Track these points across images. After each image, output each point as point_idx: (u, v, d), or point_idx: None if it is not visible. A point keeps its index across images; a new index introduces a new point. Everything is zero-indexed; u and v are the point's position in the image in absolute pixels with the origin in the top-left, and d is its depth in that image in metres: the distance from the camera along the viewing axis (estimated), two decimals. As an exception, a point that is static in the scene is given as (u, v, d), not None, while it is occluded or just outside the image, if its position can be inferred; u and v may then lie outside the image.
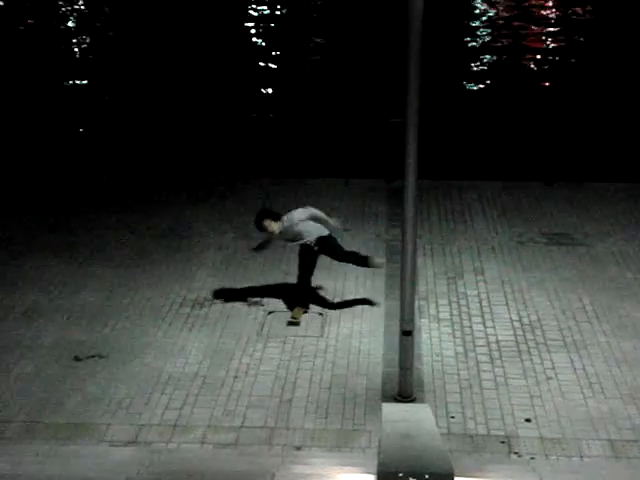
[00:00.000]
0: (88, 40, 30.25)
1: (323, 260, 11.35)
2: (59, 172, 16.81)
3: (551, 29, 31.49)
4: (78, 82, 25.21)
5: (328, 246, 11.06)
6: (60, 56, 27.94)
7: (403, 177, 8.57)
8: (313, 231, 10.97)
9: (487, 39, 29.96)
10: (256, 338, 10.71)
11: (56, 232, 13.81)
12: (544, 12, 34.03)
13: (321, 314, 11.25)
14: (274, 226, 10.88)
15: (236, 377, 9.88)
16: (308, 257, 11.03)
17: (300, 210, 10.98)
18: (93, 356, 10.30)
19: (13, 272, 12.47)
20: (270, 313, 11.29)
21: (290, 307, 11.27)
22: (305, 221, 10.90)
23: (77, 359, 10.24)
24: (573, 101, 22.49)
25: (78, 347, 10.49)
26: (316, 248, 10.98)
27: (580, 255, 12.95)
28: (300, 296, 11.27)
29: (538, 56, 27.80)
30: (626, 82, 23.93)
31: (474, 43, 29.33)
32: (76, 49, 29.30)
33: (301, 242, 10.98)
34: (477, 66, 26.56)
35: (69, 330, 10.88)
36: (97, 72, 26.04)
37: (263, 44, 29.48)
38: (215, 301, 11.52)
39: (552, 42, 29.63)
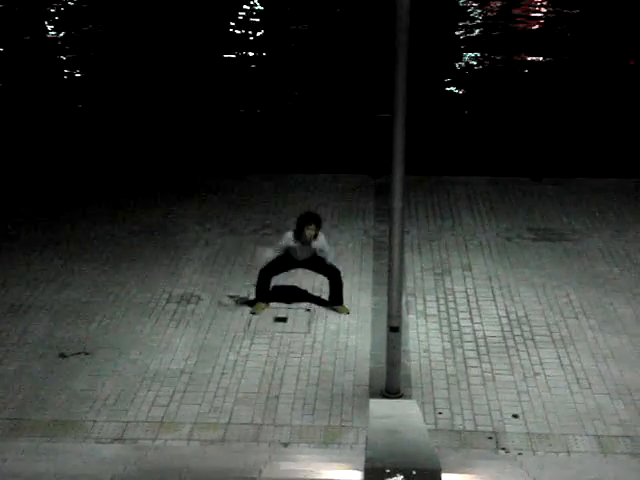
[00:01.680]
0: (80, 35, 30.08)
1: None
2: (44, 169, 16.71)
3: (540, 25, 31.53)
4: (66, 79, 25.09)
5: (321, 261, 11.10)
6: (50, 51, 27.80)
7: (390, 173, 8.55)
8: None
9: (475, 34, 29.96)
10: (243, 334, 10.67)
11: (41, 229, 13.73)
12: (533, 8, 34.04)
13: (308, 310, 11.23)
14: (311, 235, 10.76)
15: (223, 374, 9.84)
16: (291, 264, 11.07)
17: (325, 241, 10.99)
18: (79, 353, 10.24)
19: (-2, 268, 12.41)
20: (253, 304, 11.24)
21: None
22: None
23: (62, 356, 10.18)
24: (561, 96, 22.52)
25: (64, 344, 10.43)
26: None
27: (567, 251, 12.96)
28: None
29: (526, 52, 27.82)
30: (614, 78, 23.97)
31: (462, 37, 29.32)
32: (67, 43, 29.14)
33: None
34: (465, 61, 26.55)
35: (54, 327, 10.82)
36: (86, 70, 25.91)
37: (250, 40, 29.40)
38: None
39: (540, 37, 29.65)
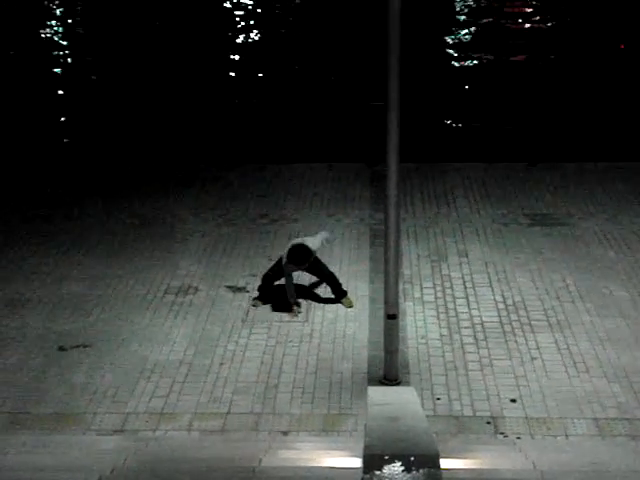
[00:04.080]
0: (72, 25, 30.02)
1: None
2: (39, 162, 16.70)
3: (532, 9, 31.49)
4: (59, 72, 25.05)
5: (315, 265, 11.04)
6: (41, 44, 27.73)
7: (385, 161, 8.57)
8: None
9: (468, 19, 29.92)
10: (241, 324, 10.70)
11: (37, 221, 13.74)
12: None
13: (306, 300, 11.23)
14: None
15: (222, 364, 9.88)
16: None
17: (310, 240, 10.99)
18: (78, 346, 10.27)
19: (-4, 263, 12.41)
20: (255, 299, 11.27)
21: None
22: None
23: (62, 349, 10.20)
24: (555, 81, 22.52)
25: (63, 337, 10.45)
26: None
27: (563, 235, 12.99)
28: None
29: (520, 36, 27.80)
30: (606, 62, 23.97)
31: (456, 23, 29.27)
32: (61, 36, 29.07)
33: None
34: (458, 48, 26.52)
35: (53, 320, 10.84)
36: (79, 63, 25.87)
37: (245, 29, 29.35)
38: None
39: (534, 22, 29.62)
